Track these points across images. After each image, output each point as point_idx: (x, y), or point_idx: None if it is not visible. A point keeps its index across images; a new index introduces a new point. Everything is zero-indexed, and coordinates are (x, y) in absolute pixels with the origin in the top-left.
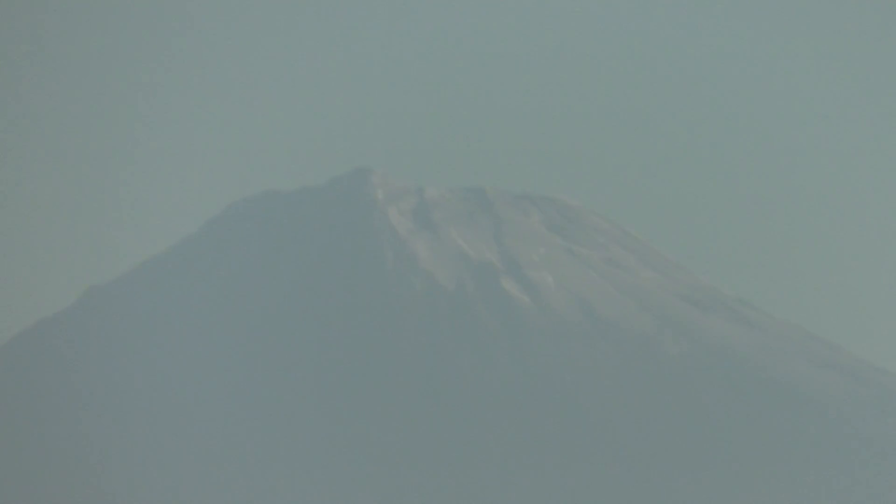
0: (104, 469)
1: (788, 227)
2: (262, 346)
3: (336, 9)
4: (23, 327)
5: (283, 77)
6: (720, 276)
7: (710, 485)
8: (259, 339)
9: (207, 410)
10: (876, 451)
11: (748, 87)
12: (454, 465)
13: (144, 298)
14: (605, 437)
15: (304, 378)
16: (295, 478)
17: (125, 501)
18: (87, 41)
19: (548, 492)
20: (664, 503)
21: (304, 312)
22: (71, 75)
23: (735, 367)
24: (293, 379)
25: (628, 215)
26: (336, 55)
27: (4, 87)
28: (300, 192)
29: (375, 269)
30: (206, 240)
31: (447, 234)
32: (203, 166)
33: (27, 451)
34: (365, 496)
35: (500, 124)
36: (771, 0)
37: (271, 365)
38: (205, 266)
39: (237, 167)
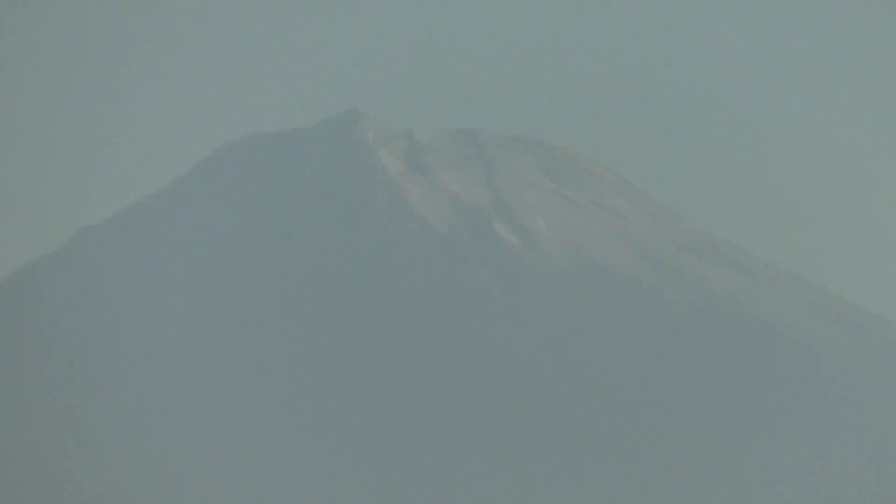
0: (92, 414)
1: (786, 173)
2: (252, 285)
3: None
4: (14, 269)
5: (273, 18)
6: (714, 222)
7: (702, 432)
8: (250, 279)
9: (199, 351)
10: (870, 399)
11: (742, 32)
12: (444, 409)
13: (137, 239)
14: (596, 380)
15: (294, 317)
16: (271, 426)
17: (112, 448)
18: None
19: (538, 435)
20: (656, 449)
21: (295, 251)
22: (61, 16)
23: (729, 313)
24: (283, 319)
25: (621, 160)
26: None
27: None
28: (291, 133)
29: (367, 212)
30: (197, 181)
31: (439, 176)
32: (193, 107)
33: (16, 396)
34: (346, 446)
35: (493, 67)
36: None
37: (261, 305)
38: (196, 207)
39: (228, 108)
